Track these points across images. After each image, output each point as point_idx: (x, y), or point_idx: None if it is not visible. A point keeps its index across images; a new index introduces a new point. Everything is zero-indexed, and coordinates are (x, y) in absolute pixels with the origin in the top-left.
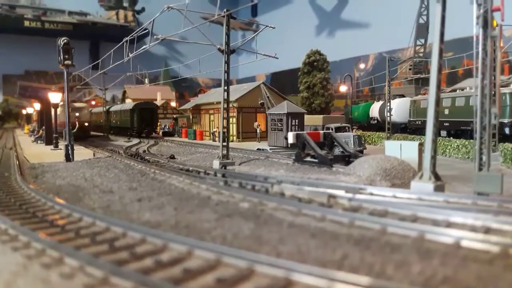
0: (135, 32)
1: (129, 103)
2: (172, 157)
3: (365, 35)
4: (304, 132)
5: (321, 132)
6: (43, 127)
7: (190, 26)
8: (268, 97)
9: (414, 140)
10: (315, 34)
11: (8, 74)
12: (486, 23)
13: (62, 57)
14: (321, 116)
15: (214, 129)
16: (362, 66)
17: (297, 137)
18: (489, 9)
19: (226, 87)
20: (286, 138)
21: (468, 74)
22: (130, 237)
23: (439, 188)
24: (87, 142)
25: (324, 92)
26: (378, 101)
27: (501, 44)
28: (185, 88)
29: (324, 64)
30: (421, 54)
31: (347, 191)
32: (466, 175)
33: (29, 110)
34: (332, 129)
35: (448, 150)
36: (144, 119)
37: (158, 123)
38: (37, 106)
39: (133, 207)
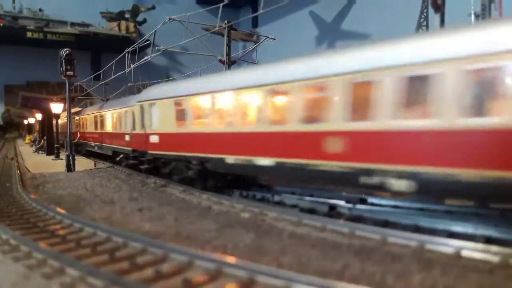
0: (136, 43)
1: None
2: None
3: None
4: None
5: None
6: (45, 137)
7: (191, 37)
8: None
9: None
10: (315, 45)
11: (10, 84)
12: None
13: (64, 67)
14: None
15: None
16: None
17: None
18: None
19: None
20: None
21: None
22: (131, 247)
23: None
24: None
25: None
26: None
27: None
28: None
29: None
30: None
31: (347, 201)
32: None
33: (31, 120)
34: None
35: None
36: None
37: None
38: (39, 116)
39: (134, 217)
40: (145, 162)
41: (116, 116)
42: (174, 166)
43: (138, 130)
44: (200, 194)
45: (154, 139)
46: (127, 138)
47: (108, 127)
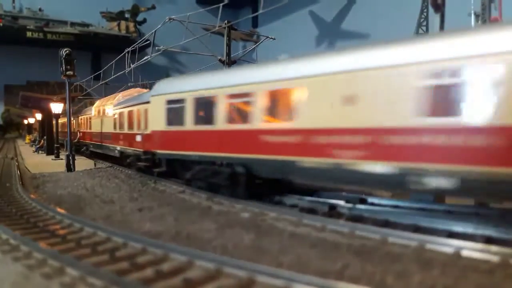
0: (136, 43)
1: None
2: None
3: None
4: None
5: None
6: (44, 137)
7: (191, 37)
8: None
9: None
10: (315, 45)
11: (10, 84)
12: None
13: (64, 67)
14: None
15: None
16: None
17: None
18: (487, 20)
19: None
20: None
21: None
22: (131, 247)
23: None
24: None
25: None
26: None
27: None
28: None
29: None
30: None
31: (347, 201)
32: None
33: (31, 120)
34: None
35: None
36: None
37: None
38: (39, 116)
39: (134, 217)
40: None
41: None
42: None
43: None
44: (200, 194)
45: None
46: None
47: None
